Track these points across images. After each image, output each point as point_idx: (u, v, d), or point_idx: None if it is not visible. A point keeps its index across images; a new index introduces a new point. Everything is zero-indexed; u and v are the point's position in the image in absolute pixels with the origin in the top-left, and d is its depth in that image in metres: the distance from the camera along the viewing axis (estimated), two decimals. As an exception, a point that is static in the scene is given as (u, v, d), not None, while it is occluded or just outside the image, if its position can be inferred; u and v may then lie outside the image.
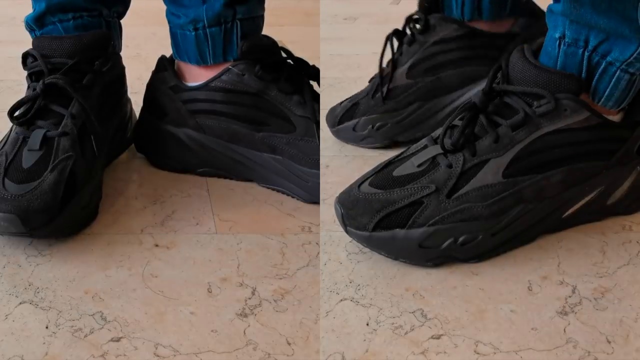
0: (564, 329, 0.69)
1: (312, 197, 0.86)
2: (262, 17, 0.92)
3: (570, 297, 0.72)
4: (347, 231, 0.76)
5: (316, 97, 0.89)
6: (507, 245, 0.77)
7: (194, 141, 0.90)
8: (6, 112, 0.81)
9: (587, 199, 0.79)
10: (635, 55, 0.75)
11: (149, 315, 0.71)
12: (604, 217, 0.82)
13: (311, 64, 0.90)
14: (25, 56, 0.85)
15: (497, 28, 0.97)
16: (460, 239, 0.74)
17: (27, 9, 0.90)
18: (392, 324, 0.70)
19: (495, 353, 0.67)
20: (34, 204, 0.75)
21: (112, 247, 0.79)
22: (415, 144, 0.79)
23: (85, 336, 0.69)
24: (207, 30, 0.88)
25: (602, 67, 0.76)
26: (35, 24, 0.88)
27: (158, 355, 0.67)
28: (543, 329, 0.69)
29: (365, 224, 0.74)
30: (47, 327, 0.69)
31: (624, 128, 0.79)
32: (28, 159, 0.78)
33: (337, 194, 0.77)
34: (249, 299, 0.73)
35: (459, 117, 0.77)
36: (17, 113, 0.81)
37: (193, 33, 0.88)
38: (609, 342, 0.67)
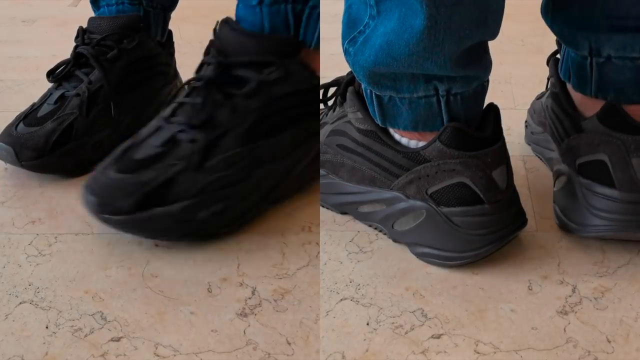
0: (564, 329, 0.69)
1: None
2: None
3: (570, 296, 0.72)
4: (103, 219, 0.76)
5: None
6: (256, 209, 0.81)
7: None
8: (6, 112, 0.81)
9: (314, 155, 0.84)
10: None
11: (149, 315, 0.71)
12: (391, 238, 0.80)
13: None
14: (78, 31, 0.97)
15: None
16: (213, 208, 0.76)
17: (27, 9, 0.90)
18: (392, 323, 0.70)
19: (495, 352, 0.67)
20: (28, 142, 0.88)
21: (112, 247, 0.79)
22: (145, 128, 0.81)
23: (85, 336, 0.69)
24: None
25: (306, 13, 0.79)
26: (93, 5, 1.02)
27: (158, 355, 0.67)
28: (543, 329, 0.69)
29: (123, 207, 0.75)
30: (47, 327, 0.69)
31: (406, 157, 0.76)
32: (43, 110, 0.91)
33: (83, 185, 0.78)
34: (249, 298, 0.73)
35: (185, 95, 0.79)
36: (53, 75, 0.94)
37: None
38: (609, 341, 0.67)
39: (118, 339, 0.68)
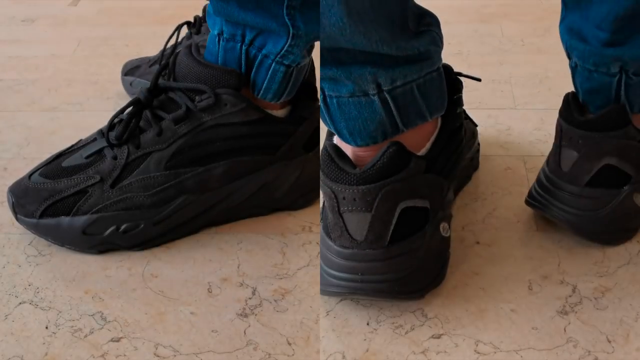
0: (565, 329, 0.69)
1: None
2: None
3: (570, 296, 0.72)
4: (17, 219, 0.78)
5: None
6: (172, 234, 0.79)
7: None
8: (6, 112, 0.81)
9: (251, 192, 0.82)
10: (286, 47, 0.77)
11: (149, 315, 0.71)
12: (271, 211, 0.84)
13: None
14: None
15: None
16: (123, 227, 0.77)
17: (27, 9, 0.90)
18: (393, 323, 0.70)
19: (495, 352, 0.67)
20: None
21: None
22: (86, 137, 0.82)
23: (85, 336, 0.69)
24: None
25: (258, 60, 0.78)
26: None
27: (158, 356, 0.67)
28: (543, 329, 0.69)
29: (33, 211, 0.77)
30: (47, 327, 0.69)
31: (288, 123, 0.82)
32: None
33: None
34: (250, 299, 0.73)
35: (125, 112, 0.79)
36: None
37: None
38: (609, 341, 0.67)
39: (118, 339, 0.68)
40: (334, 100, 0.71)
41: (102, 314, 0.71)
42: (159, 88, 0.79)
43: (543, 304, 0.71)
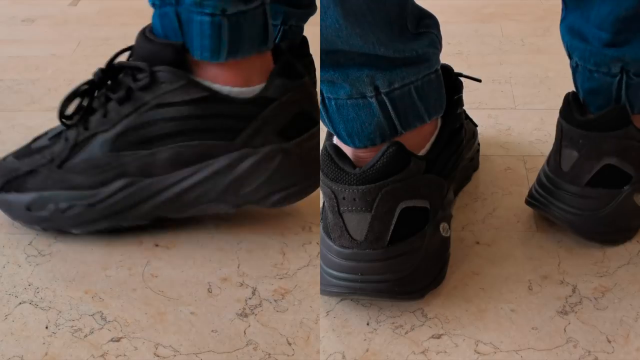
0: (564, 329, 0.69)
1: None
2: None
3: (570, 296, 0.72)
4: None
5: None
6: (113, 219, 0.77)
7: None
8: (6, 112, 0.81)
9: (205, 182, 0.76)
10: None
11: (149, 315, 0.71)
12: (237, 206, 0.78)
13: None
14: None
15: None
16: (61, 205, 0.77)
17: (27, 8, 0.90)
18: (393, 323, 0.70)
19: (495, 352, 0.67)
20: None
21: (112, 247, 0.79)
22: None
23: (85, 336, 0.69)
24: None
25: (187, 16, 0.72)
26: None
27: (158, 356, 0.67)
28: (543, 329, 0.69)
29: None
30: (47, 327, 0.69)
31: (247, 103, 0.74)
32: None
33: None
34: (249, 298, 0.73)
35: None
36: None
37: None
38: (610, 341, 0.67)
39: (118, 339, 0.68)
40: (332, 102, 0.71)
41: (102, 314, 0.71)
42: (113, 68, 0.77)
43: (543, 304, 0.71)
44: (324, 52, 0.67)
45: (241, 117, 0.74)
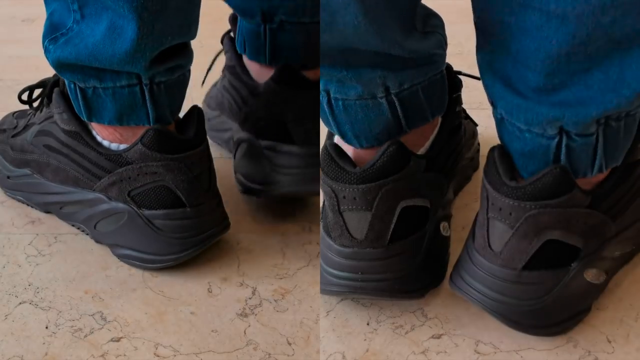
0: (565, 329, 0.69)
1: None
2: None
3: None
4: None
5: None
6: (24, 196, 0.84)
7: None
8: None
9: (73, 203, 0.80)
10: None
11: (149, 315, 0.71)
12: (98, 241, 0.79)
13: None
14: None
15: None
16: (2, 171, 0.85)
17: (27, 8, 0.90)
18: (393, 323, 0.70)
19: (495, 352, 0.67)
20: None
21: (112, 247, 0.79)
22: None
23: (85, 336, 0.69)
24: None
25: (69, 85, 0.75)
26: None
27: (158, 355, 0.67)
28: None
29: None
30: (47, 327, 0.69)
31: (108, 155, 0.76)
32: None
33: None
34: (250, 298, 0.73)
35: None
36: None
37: None
38: (609, 341, 0.67)
39: (118, 339, 0.68)
40: (340, 103, 0.70)
41: (102, 314, 0.71)
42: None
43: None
44: (335, 50, 0.66)
45: (99, 165, 0.76)
